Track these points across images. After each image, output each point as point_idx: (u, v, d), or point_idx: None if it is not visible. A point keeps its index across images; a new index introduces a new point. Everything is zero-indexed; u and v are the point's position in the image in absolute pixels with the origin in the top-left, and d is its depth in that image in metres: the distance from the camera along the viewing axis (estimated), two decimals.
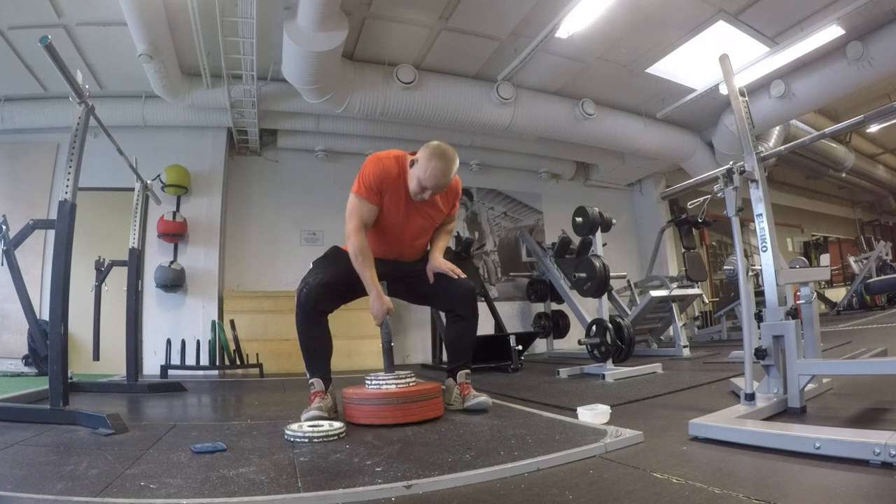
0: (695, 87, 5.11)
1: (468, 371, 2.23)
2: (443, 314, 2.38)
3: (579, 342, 3.41)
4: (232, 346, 4.22)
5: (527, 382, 3.18)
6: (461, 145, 5.63)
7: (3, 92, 4.40)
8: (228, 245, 5.13)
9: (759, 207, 1.93)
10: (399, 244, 2.20)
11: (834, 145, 7.36)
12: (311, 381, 2.06)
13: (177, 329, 4.42)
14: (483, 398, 2.08)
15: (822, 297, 7.95)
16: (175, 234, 4.61)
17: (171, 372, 4.00)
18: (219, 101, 4.41)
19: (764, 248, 1.90)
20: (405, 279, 2.26)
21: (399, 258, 2.25)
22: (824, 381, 2.12)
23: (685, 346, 4.26)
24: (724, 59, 2.09)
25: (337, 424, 1.71)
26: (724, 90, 4.28)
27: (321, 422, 1.76)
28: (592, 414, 1.78)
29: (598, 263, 3.47)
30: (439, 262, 2.21)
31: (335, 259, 2.17)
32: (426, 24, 4.11)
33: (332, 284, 2.08)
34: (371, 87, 4.43)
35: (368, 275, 2.03)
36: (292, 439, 1.61)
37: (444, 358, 2.59)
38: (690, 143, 6.13)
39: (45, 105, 4.43)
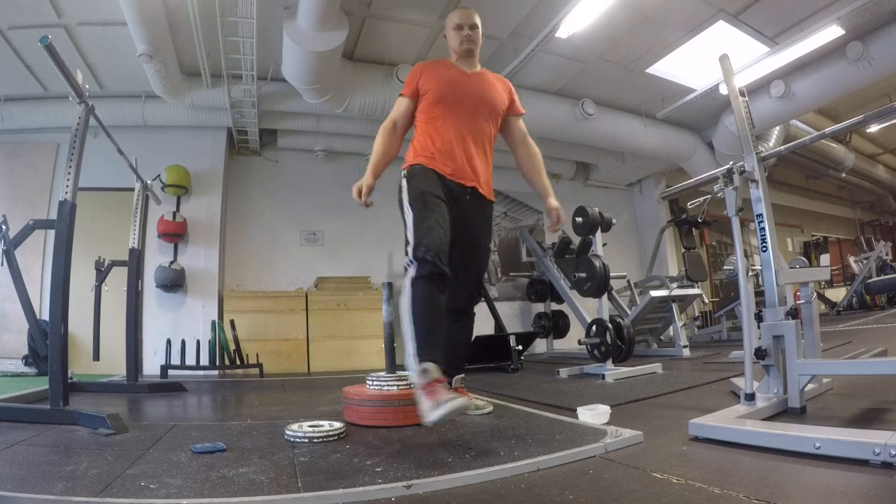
0: (695, 87, 5.11)
1: (463, 376, 2.17)
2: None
3: (579, 342, 3.41)
4: (232, 346, 4.22)
5: (527, 382, 3.18)
6: None
7: (3, 92, 4.40)
8: (228, 245, 5.13)
9: (759, 207, 1.93)
10: (467, 119, 1.99)
11: (834, 145, 7.35)
12: (422, 365, 1.58)
13: (177, 329, 4.42)
14: (484, 409, 2.03)
15: (821, 297, 7.95)
16: (175, 234, 4.61)
17: (171, 372, 4.00)
18: (219, 101, 4.41)
19: (764, 248, 1.90)
20: (468, 233, 1.97)
21: (472, 152, 1.98)
22: (824, 381, 2.12)
23: (685, 346, 4.26)
24: (724, 59, 2.10)
25: (337, 424, 1.71)
26: (724, 90, 4.27)
27: (321, 422, 1.76)
28: (592, 414, 1.78)
29: (598, 263, 3.47)
30: (554, 200, 2.18)
31: (427, 193, 1.84)
32: (426, 23, 4.11)
33: (445, 231, 1.80)
34: (371, 87, 4.43)
35: (374, 160, 1.94)
36: (292, 439, 1.61)
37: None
38: (690, 143, 6.13)
39: (45, 105, 4.43)
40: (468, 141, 1.99)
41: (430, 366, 1.57)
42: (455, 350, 2.03)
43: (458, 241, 1.90)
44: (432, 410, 1.43)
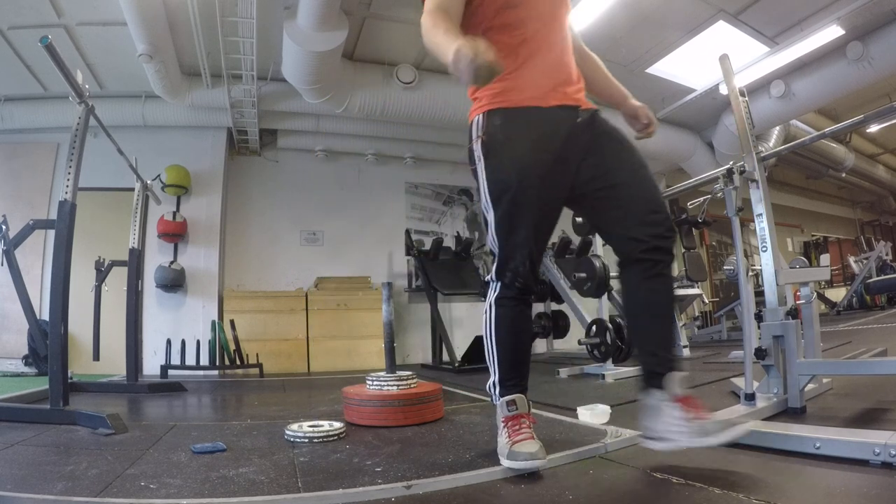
0: (695, 87, 5.11)
1: (684, 373, 1.30)
2: (620, 268, 1.42)
3: (579, 342, 3.41)
4: (232, 346, 4.22)
5: None
6: (462, 146, 5.61)
7: (3, 92, 4.40)
8: (228, 245, 5.13)
9: (759, 207, 1.93)
10: (550, 21, 1.43)
11: (834, 145, 7.35)
12: (509, 396, 1.35)
13: (177, 329, 4.42)
14: (745, 424, 1.22)
15: (822, 297, 7.94)
16: (175, 234, 4.61)
17: (171, 372, 4.00)
18: (219, 101, 4.41)
19: (764, 248, 1.90)
20: (607, 153, 1.51)
21: (572, 65, 1.51)
22: (824, 381, 2.12)
23: (685, 346, 4.25)
24: (724, 59, 2.09)
25: (337, 424, 1.71)
26: (724, 90, 4.27)
27: (321, 422, 1.76)
28: (592, 414, 1.79)
29: (598, 263, 3.47)
30: (633, 100, 1.63)
31: (515, 188, 1.34)
32: None
33: (536, 244, 1.40)
34: (371, 87, 4.43)
35: (450, 32, 1.18)
36: (292, 439, 1.61)
37: (643, 346, 1.36)
38: (690, 143, 6.13)
39: (45, 105, 4.42)
40: (562, 49, 1.47)
41: (518, 397, 1.35)
42: (651, 325, 1.35)
43: (608, 176, 1.48)
44: (509, 457, 1.24)
